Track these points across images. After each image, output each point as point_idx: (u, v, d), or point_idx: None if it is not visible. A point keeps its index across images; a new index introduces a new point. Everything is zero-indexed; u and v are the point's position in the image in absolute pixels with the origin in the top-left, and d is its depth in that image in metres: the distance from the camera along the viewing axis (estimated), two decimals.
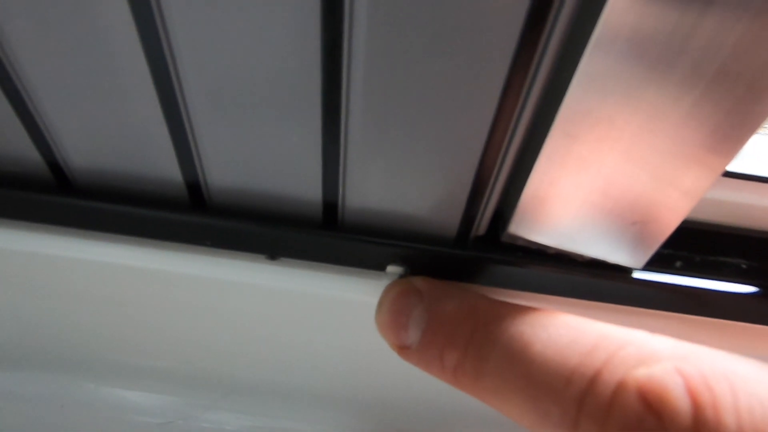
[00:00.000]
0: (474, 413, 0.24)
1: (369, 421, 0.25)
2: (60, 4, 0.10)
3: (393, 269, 0.15)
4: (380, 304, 0.14)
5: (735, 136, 0.10)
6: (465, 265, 0.14)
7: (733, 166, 0.17)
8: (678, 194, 0.12)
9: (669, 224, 0.13)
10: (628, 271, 0.14)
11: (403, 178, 0.13)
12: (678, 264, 0.16)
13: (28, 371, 0.24)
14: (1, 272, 0.18)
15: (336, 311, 0.17)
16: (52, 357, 0.24)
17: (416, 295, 0.13)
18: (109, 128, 0.12)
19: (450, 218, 0.14)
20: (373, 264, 0.15)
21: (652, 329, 0.15)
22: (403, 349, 0.13)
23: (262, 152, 0.13)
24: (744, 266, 0.17)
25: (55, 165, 0.14)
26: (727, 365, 0.09)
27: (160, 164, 0.13)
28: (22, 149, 0.13)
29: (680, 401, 0.09)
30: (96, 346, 0.23)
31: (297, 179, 0.13)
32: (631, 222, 0.13)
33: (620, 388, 0.09)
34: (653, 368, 0.09)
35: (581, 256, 0.14)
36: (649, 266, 0.14)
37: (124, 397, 0.25)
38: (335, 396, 0.24)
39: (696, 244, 0.17)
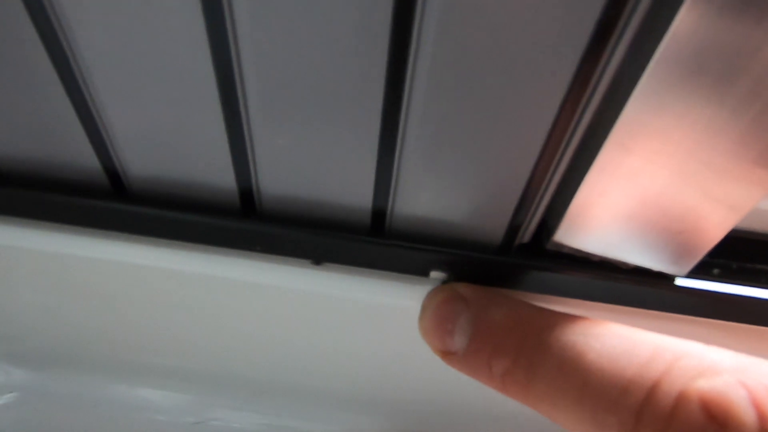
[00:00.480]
0: (490, 414, 0.24)
1: (389, 423, 0.25)
2: (129, 10, 0.10)
3: (436, 275, 0.15)
4: (424, 309, 0.14)
5: None
6: (509, 271, 0.15)
7: None
8: (726, 208, 0.12)
9: (714, 236, 0.13)
10: (670, 278, 0.14)
11: (453, 188, 0.13)
12: (715, 271, 0.17)
13: (63, 372, 0.25)
14: (48, 275, 0.18)
15: (375, 316, 0.17)
16: (86, 358, 0.24)
17: (462, 302, 0.13)
18: (170, 136, 0.13)
19: (496, 226, 0.14)
20: (416, 270, 0.15)
21: (695, 336, 0.15)
22: (447, 355, 0.13)
23: (317, 160, 0.13)
24: None
25: (113, 172, 0.14)
26: None
27: (216, 172, 0.14)
28: (83, 156, 0.14)
29: (745, 413, 0.09)
30: (129, 348, 0.24)
31: (349, 187, 0.13)
32: (676, 233, 0.13)
33: (681, 399, 0.09)
34: (715, 380, 0.09)
35: (625, 264, 0.14)
36: (690, 274, 0.14)
37: (153, 398, 0.26)
38: (357, 398, 0.24)
39: (732, 251, 0.17)
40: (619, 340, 0.11)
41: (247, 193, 0.14)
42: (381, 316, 0.17)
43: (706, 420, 0.09)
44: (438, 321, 0.13)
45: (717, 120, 0.10)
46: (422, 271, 0.15)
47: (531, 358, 0.11)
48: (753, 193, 0.11)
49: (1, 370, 0.25)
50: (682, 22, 0.09)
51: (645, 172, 0.12)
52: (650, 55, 0.09)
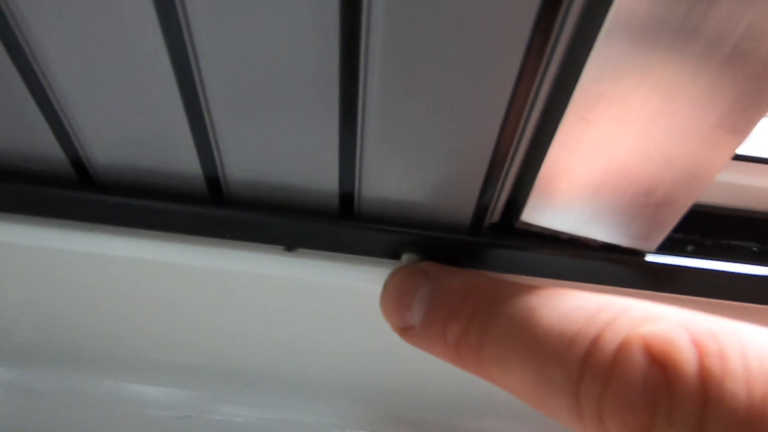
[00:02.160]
0: (483, 404, 0.24)
1: (380, 411, 0.25)
2: (84, 4, 0.10)
3: (408, 257, 0.15)
4: (385, 286, 0.14)
5: (747, 116, 0.10)
6: (479, 251, 0.15)
7: (743, 150, 0.17)
8: (690, 176, 0.12)
9: (681, 206, 0.13)
10: (641, 254, 0.14)
11: (418, 167, 0.13)
12: (690, 248, 0.17)
13: (48, 368, 0.25)
14: (22, 269, 0.18)
15: (351, 301, 0.17)
16: (71, 354, 0.24)
17: (421, 276, 0.13)
18: (132, 124, 0.13)
19: (464, 206, 0.14)
20: (388, 252, 0.15)
21: None
22: (405, 331, 0.13)
23: (280, 145, 0.13)
24: (755, 249, 0.17)
25: (77, 162, 0.14)
26: (736, 324, 0.09)
27: (181, 159, 0.13)
28: (47, 147, 0.14)
29: (686, 352, 0.08)
30: (114, 342, 0.23)
31: (314, 171, 0.13)
32: (643, 205, 0.13)
33: (624, 345, 0.09)
34: (658, 324, 0.09)
35: (594, 241, 0.14)
36: (662, 250, 0.14)
37: (143, 392, 0.26)
38: (347, 387, 0.24)
39: (707, 228, 0.17)
40: (571, 298, 0.11)
41: (213, 179, 0.14)
42: (355, 301, 0.17)
43: (648, 362, 0.09)
44: (397, 295, 0.13)
45: (673, 86, 0.10)
46: (393, 254, 0.15)
47: (483, 319, 0.11)
48: (715, 159, 0.11)
49: None
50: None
51: (607, 143, 0.12)
52: (600, 24, 0.09)
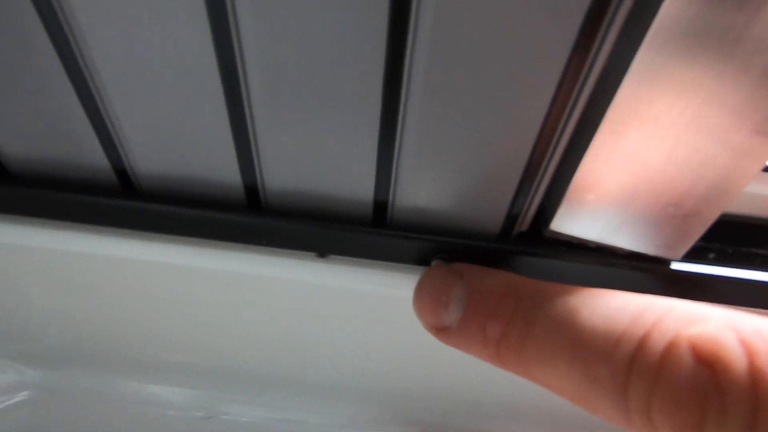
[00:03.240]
0: (488, 406, 0.24)
1: (388, 413, 0.26)
2: (136, 12, 0.11)
3: (438, 264, 0.16)
4: (419, 286, 0.14)
5: None
6: (508, 259, 0.15)
7: None
8: (719, 189, 0.12)
9: (709, 218, 0.13)
10: (666, 262, 0.15)
11: (453, 177, 0.13)
12: (711, 256, 0.17)
13: (74, 370, 0.25)
14: (58, 274, 0.19)
15: (379, 306, 0.18)
16: (96, 357, 0.25)
17: (455, 275, 0.13)
18: (176, 134, 0.13)
19: (495, 215, 0.14)
20: (418, 259, 0.16)
21: None
22: (441, 331, 0.13)
23: (320, 155, 0.13)
24: None
25: (122, 171, 0.15)
26: None
27: (222, 168, 0.14)
28: (93, 156, 0.14)
29: (734, 352, 0.08)
30: (139, 346, 0.24)
31: (351, 180, 0.14)
32: (672, 216, 0.13)
33: (671, 346, 0.09)
34: (705, 326, 0.09)
35: (621, 249, 0.14)
36: (685, 258, 0.15)
37: (164, 394, 0.26)
38: (357, 389, 0.25)
39: (728, 236, 0.18)
40: (612, 299, 0.11)
41: (252, 188, 0.15)
42: (384, 306, 0.18)
43: (697, 364, 0.09)
44: (432, 294, 0.13)
45: (712, 96, 0.10)
46: (424, 261, 0.16)
47: (525, 318, 0.11)
48: (746, 170, 0.12)
49: (14, 370, 0.25)
50: (669, 6, 0.09)
51: (639, 155, 0.12)
52: (640, 41, 0.10)
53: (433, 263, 0.16)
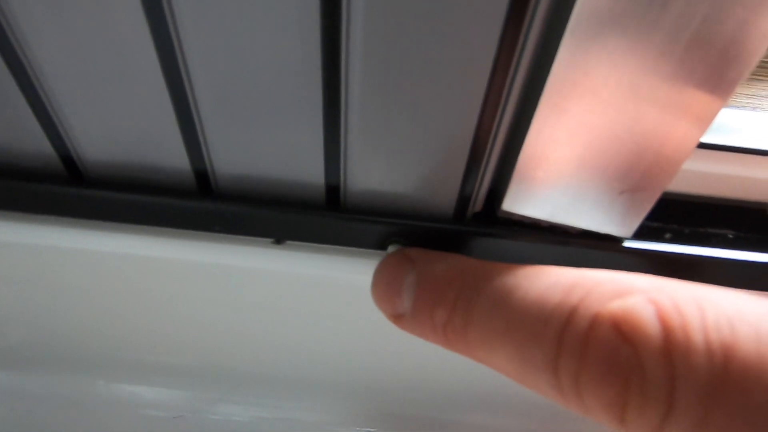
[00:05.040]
0: (477, 398, 0.24)
1: (375, 408, 0.26)
2: (75, 6, 0.11)
3: (394, 248, 0.15)
4: (375, 274, 0.14)
5: (710, 103, 0.11)
6: (463, 240, 0.15)
7: (718, 139, 0.18)
8: (661, 163, 0.12)
9: (654, 193, 0.13)
10: (619, 240, 0.15)
11: (401, 159, 0.13)
12: (667, 236, 0.17)
13: (40, 371, 0.25)
14: (11, 268, 0.18)
15: (339, 293, 0.18)
16: (62, 356, 0.24)
17: (408, 263, 0.13)
18: (121, 121, 0.13)
19: (447, 196, 0.14)
20: (375, 243, 0.16)
21: None
22: (398, 318, 0.13)
23: (267, 141, 0.13)
24: (731, 236, 0.18)
25: (67, 158, 0.14)
26: (699, 291, 0.09)
27: (170, 154, 0.14)
28: (37, 144, 0.14)
29: (651, 327, 0.09)
30: (105, 344, 0.24)
31: (300, 165, 0.14)
32: (618, 192, 0.13)
33: (595, 322, 0.09)
34: (626, 300, 0.09)
35: (573, 228, 0.15)
36: (640, 238, 0.15)
37: (135, 392, 0.26)
38: (340, 384, 0.25)
39: (684, 217, 0.18)
40: (547, 277, 0.11)
41: (201, 174, 0.14)
42: (344, 293, 0.17)
43: (617, 338, 0.09)
44: (387, 282, 0.13)
45: (639, 74, 0.11)
46: (380, 245, 0.16)
47: (467, 302, 0.12)
48: (682, 146, 0.12)
49: None
50: None
51: (580, 131, 0.12)
52: (567, 17, 0.10)
53: (390, 247, 0.15)
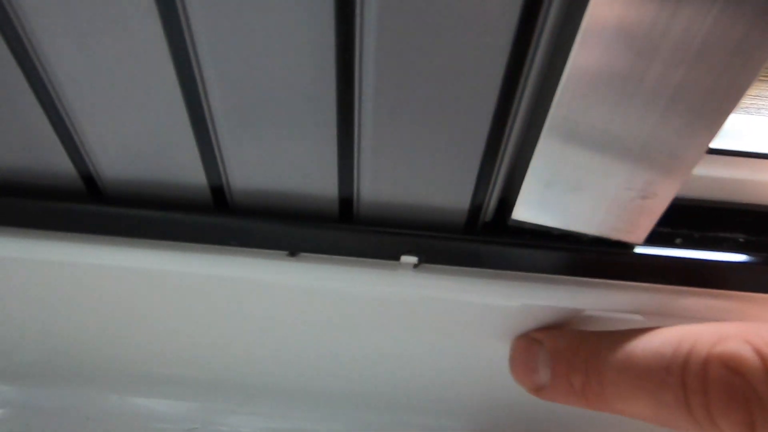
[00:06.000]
0: (482, 407, 0.24)
1: (383, 417, 0.25)
2: (96, 21, 0.11)
3: (407, 259, 0.16)
4: (511, 360, 0.17)
5: (716, 113, 0.11)
6: (475, 250, 0.15)
7: (726, 144, 0.18)
8: (670, 170, 0.13)
9: (664, 199, 0.13)
10: (630, 246, 0.15)
11: (412, 171, 0.14)
12: (678, 241, 0.17)
13: (54, 386, 0.25)
14: (27, 285, 0.19)
15: (353, 304, 0.18)
16: (76, 371, 0.25)
17: (536, 344, 0.16)
18: (140, 138, 0.13)
19: (458, 207, 0.14)
20: (387, 254, 0.16)
21: (657, 303, 0.16)
22: (539, 390, 0.16)
23: (282, 155, 0.14)
24: (741, 240, 0.18)
25: (88, 176, 0.15)
26: None
27: (187, 170, 0.14)
28: (59, 163, 0.14)
29: (753, 359, 0.12)
30: (118, 358, 0.24)
31: (314, 178, 0.14)
32: (628, 199, 0.13)
33: (707, 363, 0.12)
34: (727, 344, 0.12)
35: (585, 235, 0.15)
36: (651, 244, 0.15)
37: (148, 406, 0.26)
38: (349, 394, 0.25)
39: (694, 221, 0.18)
40: (654, 336, 0.14)
41: (218, 189, 0.15)
42: (357, 304, 0.18)
43: (728, 373, 0.12)
44: (523, 364, 0.17)
45: (646, 88, 0.11)
46: (393, 256, 0.16)
47: (598, 370, 0.14)
48: (691, 154, 0.12)
49: None
50: (597, 2, 0.10)
51: (589, 143, 0.12)
52: (575, 34, 0.10)
53: (402, 258, 0.16)
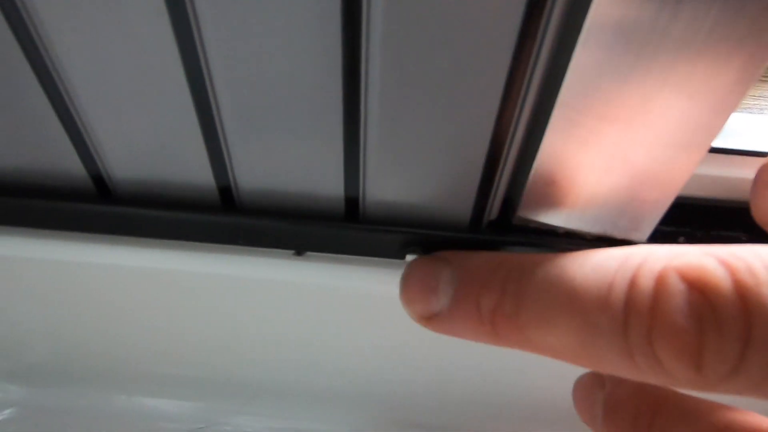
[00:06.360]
0: (488, 407, 0.24)
1: (387, 417, 0.26)
2: (106, 22, 0.11)
3: (413, 258, 0.16)
4: (405, 276, 0.14)
5: (718, 112, 0.11)
6: (479, 247, 0.15)
7: (729, 143, 0.18)
8: (672, 169, 0.13)
9: (667, 197, 0.13)
10: (633, 245, 0.15)
11: (418, 170, 0.14)
12: (681, 239, 0.17)
13: (62, 386, 0.25)
14: (35, 285, 0.19)
15: (358, 303, 0.18)
16: (84, 371, 0.25)
17: (442, 261, 0.13)
18: (149, 140, 0.14)
19: (463, 205, 0.15)
20: (393, 253, 0.16)
21: None
22: (432, 319, 0.13)
23: (289, 155, 0.14)
24: (744, 239, 0.18)
25: (97, 177, 0.15)
26: (749, 246, 0.10)
27: (195, 171, 0.14)
28: (69, 164, 0.14)
29: (719, 272, 0.09)
30: (126, 358, 0.24)
31: (320, 177, 0.14)
32: (632, 197, 0.14)
33: (661, 278, 0.10)
34: (687, 257, 0.10)
35: (589, 234, 0.15)
36: (654, 242, 0.15)
37: (155, 406, 0.26)
38: (354, 394, 0.25)
39: (697, 220, 0.18)
40: (597, 254, 0.11)
41: (225, 189, 0.15)
42: (363, 304, 0.18)
43: (688, 288, 0.09)
44: (421, 281, 0.13)
45: (648, 85, 0.11)
46: (399, 254, 0.16)
47: (518, 284, 0.12)
48: (694, 151, 0.12)
49: None
50: (600, 1, 0.10)
51: (593, 141, 0.12)
52: (578, 32, 0.10)
53: (408, 257, 0.16)
